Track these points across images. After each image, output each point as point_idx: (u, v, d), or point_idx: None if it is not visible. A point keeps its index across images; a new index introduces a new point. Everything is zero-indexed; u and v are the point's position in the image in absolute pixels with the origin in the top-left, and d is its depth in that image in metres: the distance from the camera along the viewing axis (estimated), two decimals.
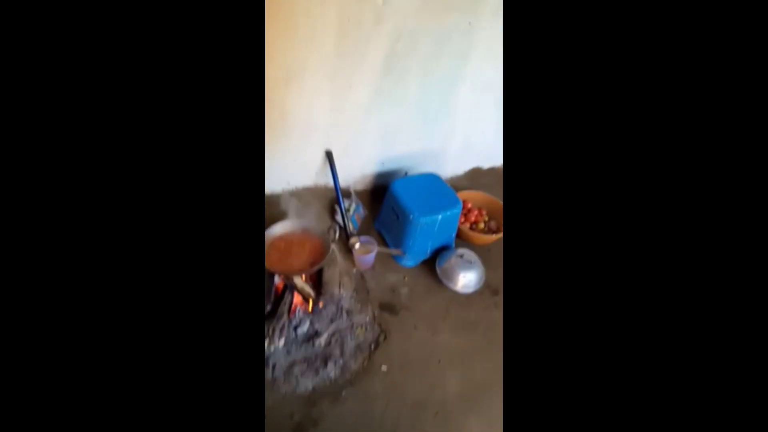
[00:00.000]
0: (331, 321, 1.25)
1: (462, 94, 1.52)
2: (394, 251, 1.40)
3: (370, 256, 1.35)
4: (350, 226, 1.50)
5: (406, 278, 1.39)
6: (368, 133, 1.51)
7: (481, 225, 1.58)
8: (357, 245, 1.36)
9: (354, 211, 1.55)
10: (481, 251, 1.46)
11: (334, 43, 1.19)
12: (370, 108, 1.43)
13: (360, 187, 1.69)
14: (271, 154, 1.34)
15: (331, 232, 1.32)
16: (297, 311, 1.23)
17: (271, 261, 1.23)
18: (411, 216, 1.31)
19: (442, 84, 1.46)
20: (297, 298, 1.24)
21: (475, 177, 1.84)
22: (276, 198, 1.48)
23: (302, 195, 1.53)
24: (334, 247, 1.35)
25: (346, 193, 1.59)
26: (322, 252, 1.26)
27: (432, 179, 1.47)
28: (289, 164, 1.46)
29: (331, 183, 1.52)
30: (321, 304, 1.26)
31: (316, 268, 1.23)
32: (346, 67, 1.27)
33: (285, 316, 1.19)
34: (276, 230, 1.31)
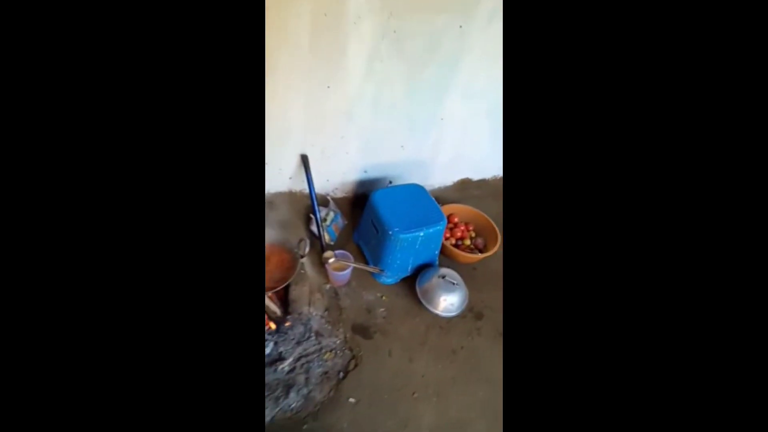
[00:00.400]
0: (298, 343, 1.14)
1: (452, 101, 1.42)
2: (371, 268, 1.29)
3: (345, 273, 1.25)
4: (326, 237, 1.40)
5: (384, 297, 1.28)
6: (349, 139, 1.40)
7: (467, 241, 1.48)
8: (331, 260, 1.25)
9: (332, 221, 1.45)
10: (466, 270, 1.36)
11: (309, 39, 1.08)
12: (351, 112, 1.32)
13: (340, 194, 1.58)
14: None
15: (302, 245, 1.21)
16: None
17: None
18: (390, 231, 1.21)
19: (430, 90, 1.36)
20: None
21: (464, 189, 1.74)
22: None
23: (274, 202, 1.42)
24: (304, 261, 1.24)
25: (324, 201, 1.48)
26: (290, 268, 1.15)
27: (416, 191, 1.36)
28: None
29: (307, 189, 1.41)
30: (287, 324, 1.15)
31: (282, 286, 1.11)
32: (323, 67, 1.17)
33: None
34: None
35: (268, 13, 0.99)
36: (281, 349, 1.11)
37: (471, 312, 1.28)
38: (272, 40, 1.05)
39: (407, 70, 1.27)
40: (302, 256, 1.19)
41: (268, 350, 1.10)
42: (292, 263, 1.16)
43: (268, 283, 1.12)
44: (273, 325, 1.12)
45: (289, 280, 1.11)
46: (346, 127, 1.36)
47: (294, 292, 1.17)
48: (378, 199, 1.30)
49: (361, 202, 1.49)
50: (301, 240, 1.22)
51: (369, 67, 1.21)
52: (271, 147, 1.32)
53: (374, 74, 1.24)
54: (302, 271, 1.22)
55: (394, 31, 1.16)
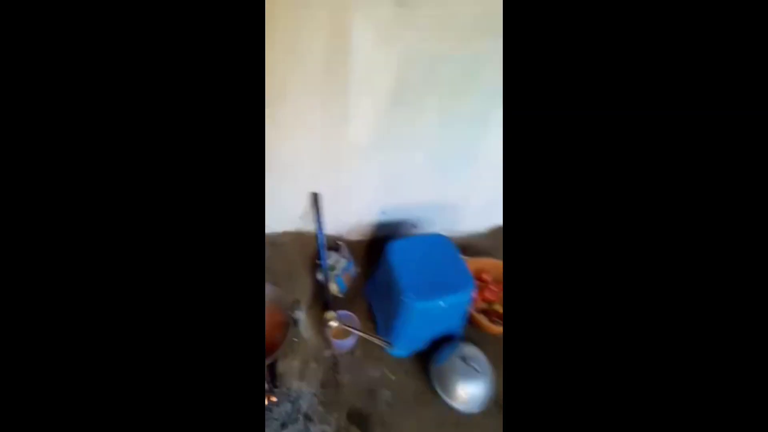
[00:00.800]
0: (282, 426, 0.95)
1: (491, 138, 1.19)
2: (379, 340, 1.07)
3: (347, 342, 1.04)
4: (334, 288, 1.20)
5: (392, 376, 1.07)
6: (368, 177, 1.21)
7: (498, 306, 1.23)
8: (333, 323, 1.05)
9: (342, 270, 1.25)
10: (495, 344, 1.11)
11: (324, 61, 0.90)
12: (372, 148, 1.13)
13: (355, 237, 1.38)
14: None
15: (297, 308, 1.02)
16: None
17: None
18: (404, 297, 0.99)
19: (466, 125, 1.14)
20: None
21: (499, 237, 1.49)
22: None
23: (279, 243, 1.25)
24: (301, 321, 1.05)
25: (334, 246, 1.29)
26: (281, 334, 0.96)
27: (440, 243, 1.14)
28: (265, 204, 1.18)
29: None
30: (273, 400, 0.96)
31: (269, 359, 0.93)
32: (340, 95, 0.98)
33: None
34: None
35: (276, 27, 0.81)
36: None
37: (497, 405, 1.04)
38: (281, 62, 0.88)
39: (441, 102, 1.07)
40: (296, 323, 1.00)
41: None
42: (283, 328, 0.97)
43: None
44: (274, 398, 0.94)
45: (276, 355, 0.92)
46: (365, 165, 1.17)
47: (283, 365, 0.98)
48: (395, 251, 1.10)
49: (379, 247, 1.28)
50: (295, 302, 1.03)
51: (395, 97, 1.02)
52: (278, 183, 1.14)
53: (401, 106, 1.04)
54: (295, 339, 1.03)
55: (427, 57, 0.96)
